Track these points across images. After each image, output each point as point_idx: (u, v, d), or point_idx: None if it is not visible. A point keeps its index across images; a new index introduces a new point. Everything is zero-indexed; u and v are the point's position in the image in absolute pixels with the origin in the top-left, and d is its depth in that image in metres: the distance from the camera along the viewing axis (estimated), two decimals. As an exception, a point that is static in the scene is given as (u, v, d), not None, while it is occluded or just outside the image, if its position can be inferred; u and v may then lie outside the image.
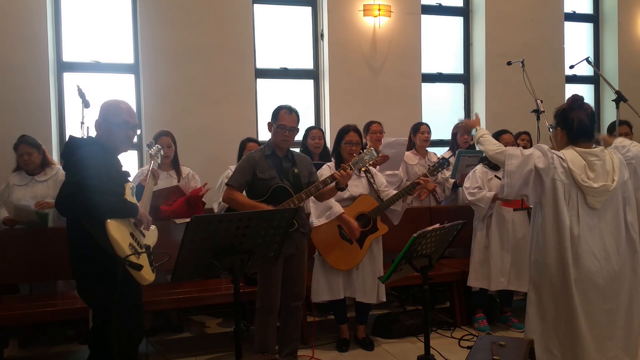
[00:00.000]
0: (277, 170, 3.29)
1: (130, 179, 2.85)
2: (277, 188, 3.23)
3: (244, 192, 3.34)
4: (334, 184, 3.28)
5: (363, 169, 3.52)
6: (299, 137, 4.88)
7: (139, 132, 2.88)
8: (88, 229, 2.48)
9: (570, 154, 2.69)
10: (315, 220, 3.68)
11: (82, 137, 3.39)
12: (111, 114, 2.72)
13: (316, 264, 3.84)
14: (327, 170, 4.57)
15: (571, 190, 2.66)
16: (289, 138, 3.30)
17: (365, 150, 3.36)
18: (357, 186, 3.84)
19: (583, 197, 2.65)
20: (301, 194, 3.23)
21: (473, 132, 3.14)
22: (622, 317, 2.70)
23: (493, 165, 4.20)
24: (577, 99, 2.77)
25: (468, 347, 3.83)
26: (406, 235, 2.71)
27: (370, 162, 3.38)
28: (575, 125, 2.71)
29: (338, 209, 3.68)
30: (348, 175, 3.23)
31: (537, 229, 2.81)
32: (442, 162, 3.88)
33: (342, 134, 3.84)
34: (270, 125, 3.34)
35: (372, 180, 3.88)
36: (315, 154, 4.58)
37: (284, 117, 3.27)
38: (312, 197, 3.72)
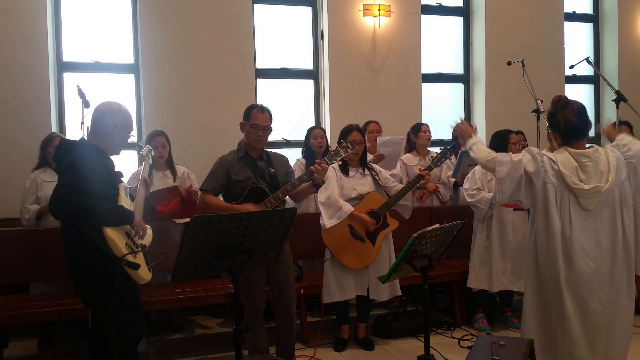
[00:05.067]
0: (252, 171, 3.26)
1: (124, 179, 2.83)
2: (253, 189, 3.18)
3: (220, 196, 3.32)
4: (310, 182, 3.24)
5: (339, 163, 3.52)
6: (300, 137, 4.91)
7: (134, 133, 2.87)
8: (83, 229, 2.47)
9: (562, 156, 2.67)
10: (327, 222, 3.67)
11: (82, 137, 3.39)
12: (112, 118, 2.69)
13: (326, 265, 3.84)
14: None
15: (563, 192, 2.65)
16: (262, 137, 3.27)
17: (340, 144, 3.35)
18: (363, 185, 3.85)
19: (575, 199, 2.64)
20: (277, 192, 3.19)
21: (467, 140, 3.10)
22: (620, 320, 2.68)
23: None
24: (559, 100, 2.75)
25: (468, 347, 3.83)
26: (406, 235, 2.71)
27: (346, 156, 3.35)
28: (562, 125, 2.69)
29: (348, 208, 3.69)
30: (324, 170, 3.19)
31: (532, 230, 2.82)
32: (445, 152, 3.87)
33: (346, 133, 3.83)
34: (242, 125, 3.31)
35: (377, 178, 3.89)
36: (318, 153, 4.57)
37: (257, 117, 3.25)
38: (322, 201, 3.72)
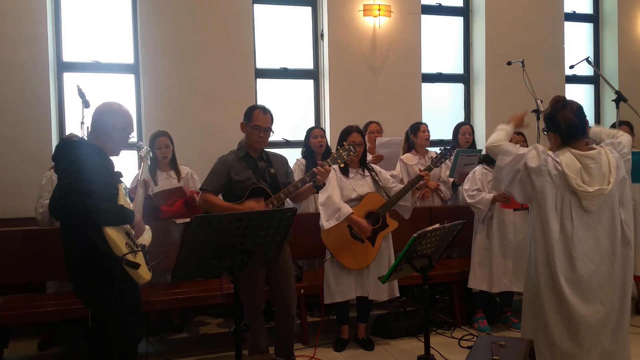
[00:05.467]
0: (253, 171, 3.27)
1: (123, 179, 2.83)
2: (254, 189, 3.18)
3: (220, 196, 3.31)
4: (311, 183, 3.25)
5: (341, 165, 3.52)
6: (300, 137, 4.91)
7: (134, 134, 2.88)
8: (83, 229, 2.47)
9: (566, 157, 2.67)
10: (326, 223, 3.67)
11: (82, 137, 3.39)
12: (112, 118, 2.69)
13: (327, 266, 3.83)
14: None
15: (564, 194, 2.65)
16: (263, 139, 3.27)
17: (343, 146, 3.36)
18: (363, 185, 3.85)
19: (577, 200, 2.64)
20: (279, 193, 3.19)
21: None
22: (615, 317, 2.69)
23: (493, 166, 4.19)
24: (558, 100, 2.75)
25: (468, 347, 3.83)
26: (406, 235, 2.71)
27: (349, 158, 3.37)
28: (563, 125, 2.70)
29: (347, 209, 3.67)
30: (327, 172, 3.20)
31: (530, 230, 2.83)
32: (445, 153, 3.88)
33: (346, 135, 3.83)
34: (243, 125, 3.31)
35: (377, 178, 3.89)
36: (319, 153, 4.57)
37: (259, 118, 3.24)
38: (321, 202, 3.72)
